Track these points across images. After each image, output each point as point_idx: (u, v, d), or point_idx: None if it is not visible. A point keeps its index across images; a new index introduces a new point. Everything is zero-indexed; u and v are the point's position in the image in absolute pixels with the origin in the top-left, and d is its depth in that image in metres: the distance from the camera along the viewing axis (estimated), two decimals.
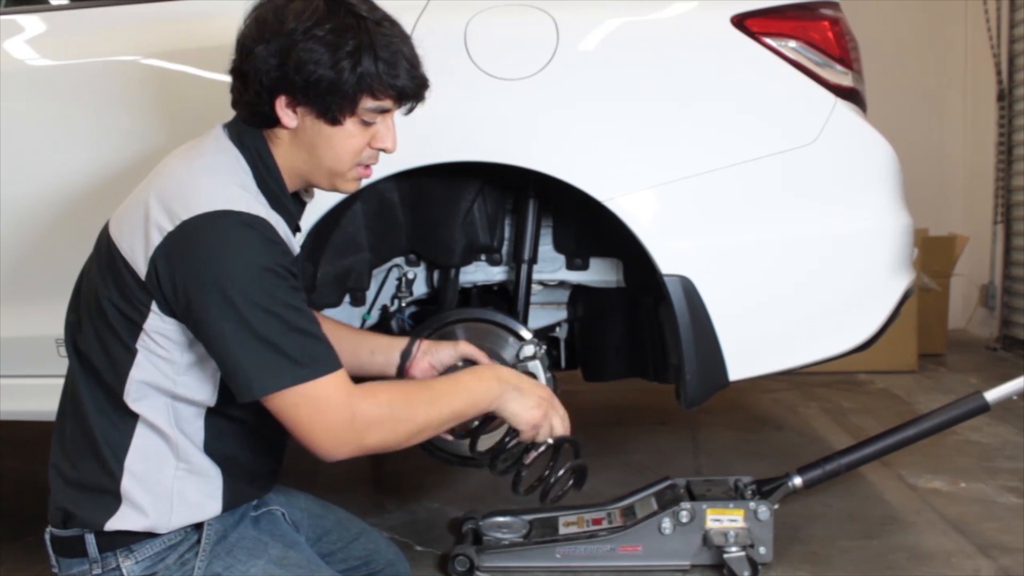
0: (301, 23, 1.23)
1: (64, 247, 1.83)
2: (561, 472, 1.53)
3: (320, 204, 1.76)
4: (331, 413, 1.20)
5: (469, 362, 1.60)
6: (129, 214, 1.25)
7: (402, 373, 1.61)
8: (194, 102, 1.93)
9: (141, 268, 1.21)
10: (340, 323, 1.71)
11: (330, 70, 1.23)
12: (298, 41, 1.23)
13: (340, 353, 1.59)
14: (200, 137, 1.35)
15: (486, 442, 1.55)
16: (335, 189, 1.37)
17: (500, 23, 1.83)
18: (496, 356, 1.90)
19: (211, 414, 1.30)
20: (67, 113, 2.01)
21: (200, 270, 1.17)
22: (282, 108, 1.27)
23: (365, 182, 1.42)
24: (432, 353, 1.61)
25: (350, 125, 1.29)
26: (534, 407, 1.39)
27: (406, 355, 1.62)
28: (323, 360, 1.21)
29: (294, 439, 1.24)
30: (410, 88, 1.30)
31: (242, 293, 1.16)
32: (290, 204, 1.35)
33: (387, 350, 1.62)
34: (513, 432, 1.44)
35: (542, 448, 1.45)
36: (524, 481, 1.52)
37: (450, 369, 1.60)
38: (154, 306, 1.22)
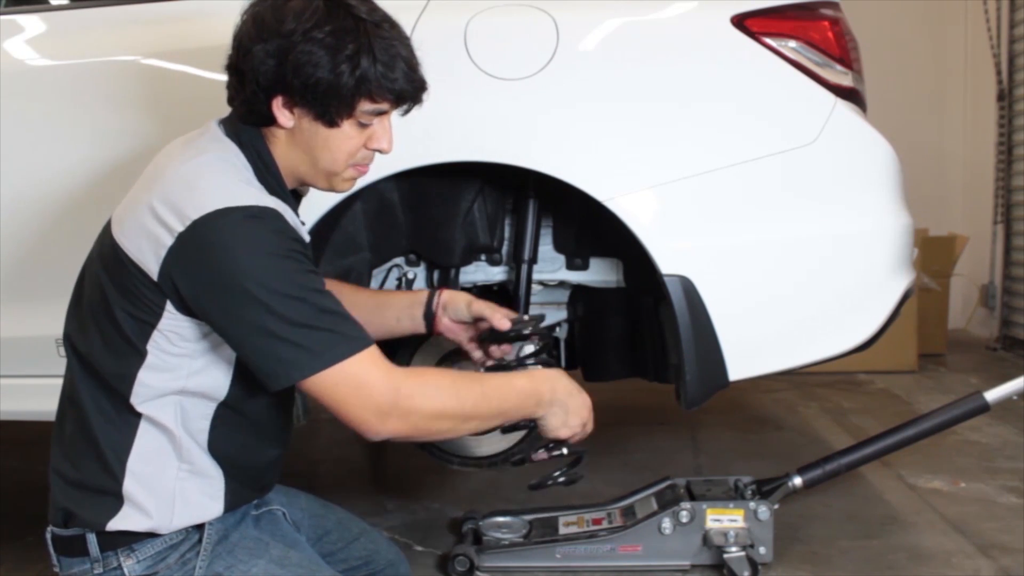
0: (300, 24, 1.23)
1: (64, 247, 1.83)
2: (560, 479, 1.55)
3: (320, 204, 1.76)
4: (373, 388, 1.20)
5: (481, 319, 1.59)
6: (133, 215, 1.24)
7: (431, 333, 1.63)
8: (194, 102, 1.93)
9: (152, 269, 1.20)
10: (360, 288, 1.71)
11: (329, 73, 1.23)
12: (297, 43, 1.22)
13: (368, 322, 1.56)
14: (194, 133, 1.35)
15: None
16: (331, 189, 1.37)
17: (500, 23, 1.83)
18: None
19: (219, 411, 1.30)
20: (67, 113, 2.00)
21: (218, 270, 1.17)
22: (279, 108, 1.27)
23: (361, 181, 1.42)
24: (450, 309, 1.61)
25: (347, 127, 1.29)
26: (574, 427, 1.41)
27: (429, 316, 1.62)
28: (356, 338, 1.21)
29: (341, 421, 1.23)
30: (408, 91, 1.30)
31: (263, 285, 1.16)
32: (289, 200, 1.34)
33: (411, 312, 1.63)
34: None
35: (556, 453, 1.47)
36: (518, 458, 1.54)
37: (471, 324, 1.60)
38: (168, 306, 1.21)
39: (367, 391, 1.20)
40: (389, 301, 1.67)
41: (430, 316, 1.62)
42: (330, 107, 1.26)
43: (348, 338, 1.20)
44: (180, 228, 1.18)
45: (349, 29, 1.24)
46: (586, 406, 1.42)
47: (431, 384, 1.27)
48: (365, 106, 1.27)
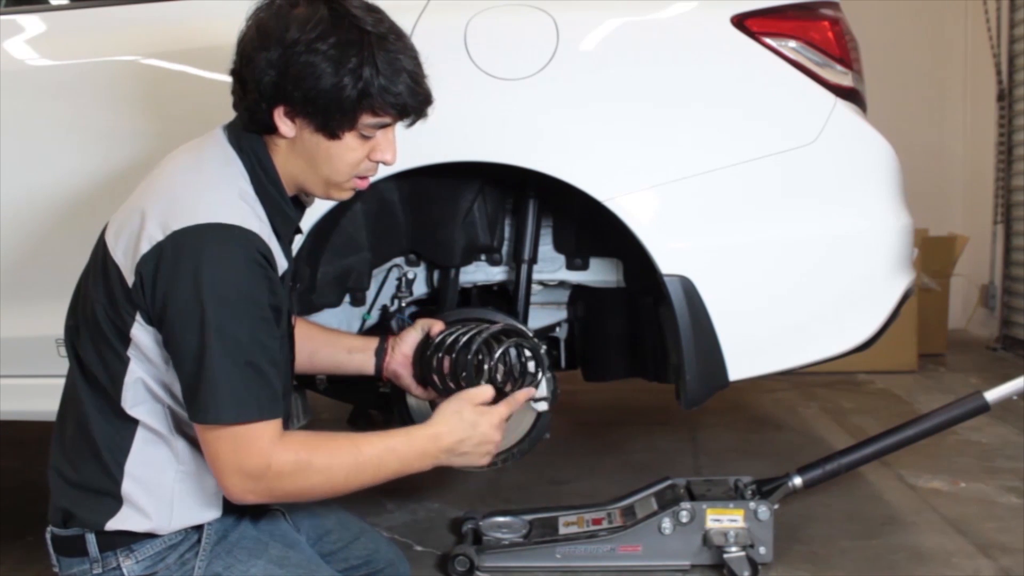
0: (304, 34, 1.21)
1: (64, 248, 1.83)
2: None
3: (320, 204, 1.75)
4: (249, 457, 1.18)
5: (430, 337, 1.64)
6: (125, 222, 1.25)
7: (380, 370, 1.66)
8: (195, 103, 1.93)
9: (129, 277, 1.21)
10: (314, 323, 1.73)
11: (331, 87, 1.22)
12: (300, 54, 1.21)
13: (317, 352, 1.64)
14: (200, 139, 1.35)
15: None
16: (329, 198, 1.37)
17: (500, 23, 1.83)
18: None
19: None
20: (67, 114, 2.00)
21: (180, 281, 1.17)
22: (280, 118, 1.26)
23: None
24: (401, 342, 1.66)
25: (349, 139, 1.28)
26: (482, 457, 1.38)
27: (380, 352, 1.66)
28: (264, 404, 1.19)
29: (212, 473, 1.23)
30: (412, 105, 1.29)
31: (213, 312, 1.16)
32: (289, 208, 1.34)
33: (363, 349, 1.66)
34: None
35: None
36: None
37: (423, 344, 1.65)
38: (139, 316, 1.22)
39: (239, 457, 1.18)
40: (345, 335, 1.74)
41: (381, 353, 1.66)
42: (332, 120, 1.25)
43: (256, 402, 1.18)
44: (160, 237, 1.18)
45: (353, 42, 1.22)
46: (486, 433, 1.37)
47: (304, 461, 1.22)
48: (368, 119, 1.27)
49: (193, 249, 1.17)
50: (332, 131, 1.26)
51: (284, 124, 1.27)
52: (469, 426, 1.36)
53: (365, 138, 1.29)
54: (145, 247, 1.19)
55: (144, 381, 1.25)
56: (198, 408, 1.18)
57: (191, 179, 1.25)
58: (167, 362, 1.23)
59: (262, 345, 1.20)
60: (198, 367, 1.16)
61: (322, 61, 1.21)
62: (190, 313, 1.16)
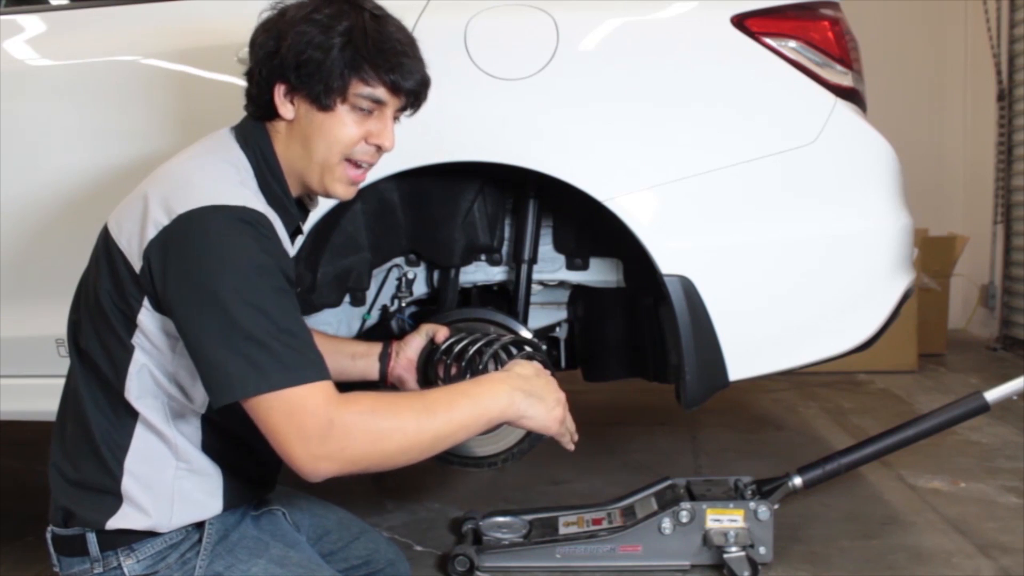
0: (301, 11, 1.27)
1: (64, 247, 1.83)
2: None
3: (320, 204, 1.75)
4: (307, 419, 1.11)
5: (435, 343, 1.67)
6: (128, 210, 1.25)
7: (384, 375, 1.67)
8: (195, 103, 1.93)
9: (136, 263, 1.21)
10: (315, 330, 1.72)
11: (319, 50, 1.25)
12: (295, 23, 1.27)
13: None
14: (205, 137, 1.36)
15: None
16: (326, 189, 1.35)
17: (500, 23, 1.83)
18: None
19: (208, 412, 1.29)
20: (67, 113, 2.00)
21: (191, 264, 1.16)
22: (280, 99, 1.29)
23: (361, 184, 1.42)
24: (405, 347, 1.68)
25: (342, 112, 1.29)
26: (553, 403, 1.32)
27: (384, 357, 1.67)
28: (309, 366, 1.14)
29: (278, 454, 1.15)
30: (402, 80, 1.30)
31: (231, 289, 1.13)
32: (292, 206, 1.35)
33: (366, 355, 1.68)
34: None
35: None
36: None
37: (427, 351, 1.66)
38: (146, 302, 1.21)
39: (297, 422, 1.11)
40: (348, 341, 1.76)
41: (385, 358, 1.67)
42: (323, 87, 1.26)
43: (297, 364, 1.13)
44: (166, 221, 1.18)
45: (346, 11, 1.27)
46: (549, 380, 1.34)
47: (366, 410, 1.16)
48: (359, 88, 1.28)
49: (200, 230, 1.16)
50: (324, 101, 1.27)
51: (284, 106, 1.29)
52: (531, 372, 1.33)
53: (360, 115, 1.30)
54: (151, 232, 1.18)
55: (149, 369, 1.24)
56: (239, 385, 1.11)
57: (195, 166, 1.27)
58: (172, 350, 1.23)
59: (286, 311, 1.16)
60: (224, 346, 1.12)
61: (313, 27, 1.26)
62: (205, 295, 1.14)
